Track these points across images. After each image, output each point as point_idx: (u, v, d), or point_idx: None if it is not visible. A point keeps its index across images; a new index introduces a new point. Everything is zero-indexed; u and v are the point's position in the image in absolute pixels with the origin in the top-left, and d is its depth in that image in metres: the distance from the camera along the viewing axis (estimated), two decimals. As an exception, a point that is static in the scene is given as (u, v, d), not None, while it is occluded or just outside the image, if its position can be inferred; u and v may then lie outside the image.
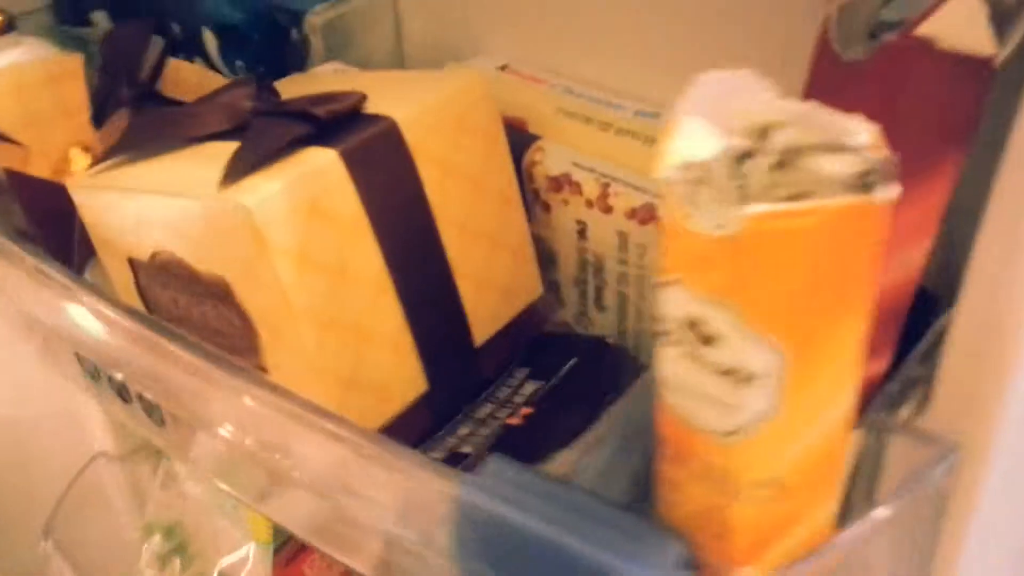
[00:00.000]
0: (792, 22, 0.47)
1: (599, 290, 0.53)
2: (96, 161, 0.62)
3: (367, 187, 0.44)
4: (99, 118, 0.64)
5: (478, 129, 0.48)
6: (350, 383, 0.44)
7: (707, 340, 0.30)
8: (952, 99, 0.33)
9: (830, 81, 0.35)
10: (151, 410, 0.52)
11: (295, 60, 0.62)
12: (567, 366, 0.51)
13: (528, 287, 0.53)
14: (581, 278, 0.54)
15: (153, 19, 0.65)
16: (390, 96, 0.47)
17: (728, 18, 0.52)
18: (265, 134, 0.43)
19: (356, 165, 0.43)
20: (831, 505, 0.34)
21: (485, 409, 0.50)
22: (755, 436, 0.31)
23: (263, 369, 0.45)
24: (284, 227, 0.41)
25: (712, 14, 0.52)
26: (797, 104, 0.30)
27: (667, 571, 0.33)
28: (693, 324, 0.30)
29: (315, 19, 0.60)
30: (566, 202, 0.52)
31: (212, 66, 0.67)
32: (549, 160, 0.52)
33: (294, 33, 0.61)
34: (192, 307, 0.46)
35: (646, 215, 0.49)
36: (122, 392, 0.53)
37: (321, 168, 0.42)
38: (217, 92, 0.51)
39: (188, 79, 0.65)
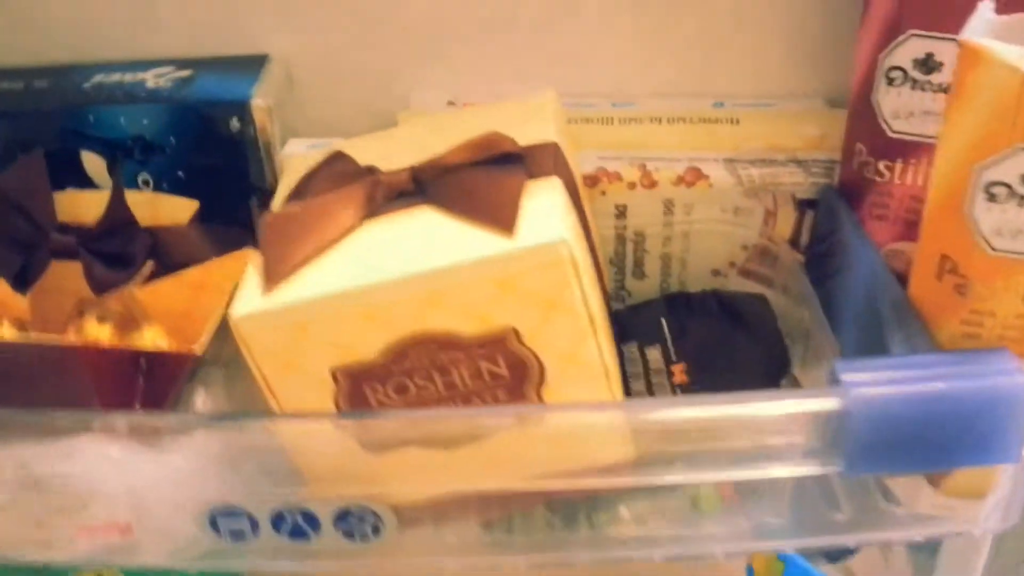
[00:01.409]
0: None
1: (639, 260, 0.60)
2: (39, 332, 0.53)
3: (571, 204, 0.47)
4: (23, 281, 0.54)
5: (570, 140, 0.53)
6: (615, 379, 0.47)
7: (1041, 183, 0.41)
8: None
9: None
10: (355, 530, 0.48)
11: (239, 152, 0.58)
12: (664, 324, 0.58)
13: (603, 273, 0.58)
14: (619, 255, 0.60)
15: (40, 151, 0.55)
16: (501, 128, 0.49)
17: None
18: (487, 182, 0.44)
19: (566, 187, 0.46)
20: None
21: (636, 387, 0.55)
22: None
23: (539, 406, 0.46)
24: (579, 251, 0.43)
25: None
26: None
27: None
28: (1034, 174, 0.41)
29: (262, 102, 0.57)
30: (604, 192, 0.58)
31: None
32: (573, 164, 0.58)
33: (234, 123, 0.57)
34: (432, 383, 0.45)
35: (693, 177, 0.57)
36: (299, 529, 0.48)
37: (561, 194, 0.44)
38: (308, 182, 0.48)
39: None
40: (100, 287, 0.53)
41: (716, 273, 0.61)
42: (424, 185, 0.46)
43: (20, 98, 0.59)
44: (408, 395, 0.46)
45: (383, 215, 0.46)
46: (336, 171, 0.48)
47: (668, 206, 0.59)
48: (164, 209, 0.57)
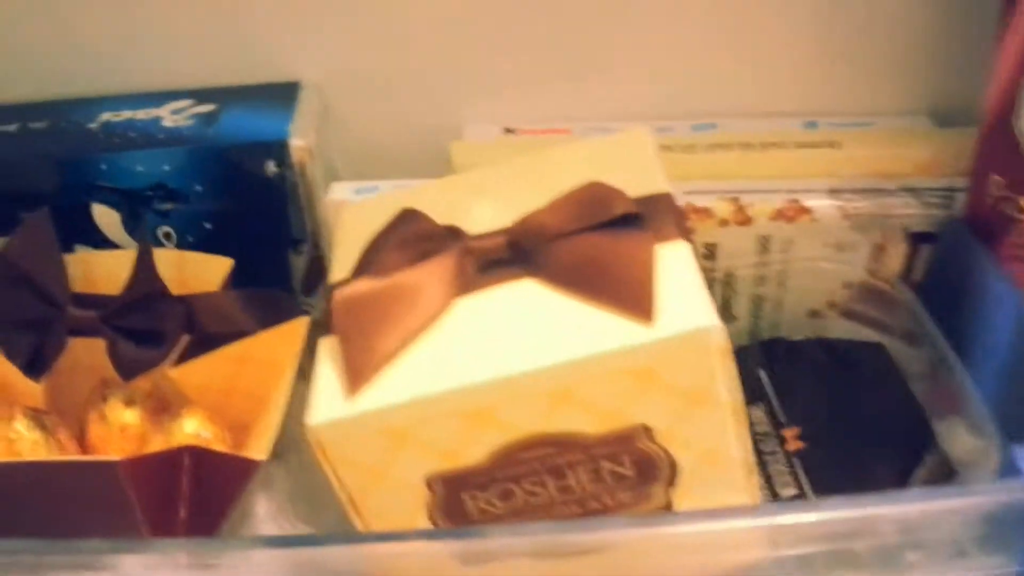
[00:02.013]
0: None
1: (727, 302, 0.54)
2: (57, 422, 0.46)
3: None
4: (38, 364, 0.46)
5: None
6: (755, 473, 0.41)
7: None
8: None
9: None
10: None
11: (276, 199, 0.50)
12: (765, 378, 0.52)
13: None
14: (706, 299, 0.54)
15: (46, 211, 0.48)
16: (596, 173, 0.42)
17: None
18: (609, 252, 0.37)
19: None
20: None
21: (742, 452, 0.49)
22: None
23: (668, 507, 0.39)
24: (721, 334, 0.36)
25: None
26: None
27: None
28: None
29: (302, 141, 0.49)
30: (692, 231, 0.51)
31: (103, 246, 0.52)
32: (663, 200, 0.51)
33: (270, 167, 0.49)
34: (544, 488, 0.38)
35: (793, 211, 0.51)
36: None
37: (693, 263, 0.38)
38: (377, 248, 0.41)
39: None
40: (129, 370, 0.45)
41: (814, 314, 0.55)
42: (524, 253, 0.39)
43: (15, 142, 0.51)
44: (514, 501, 0.39)
45: (477, 290, 0.39)
46: (410, 234, 0.41)
47: (763, 243, 0.52)
48: (192, 269, 0.49)
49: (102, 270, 0.49)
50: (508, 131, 0.55)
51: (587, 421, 0.37)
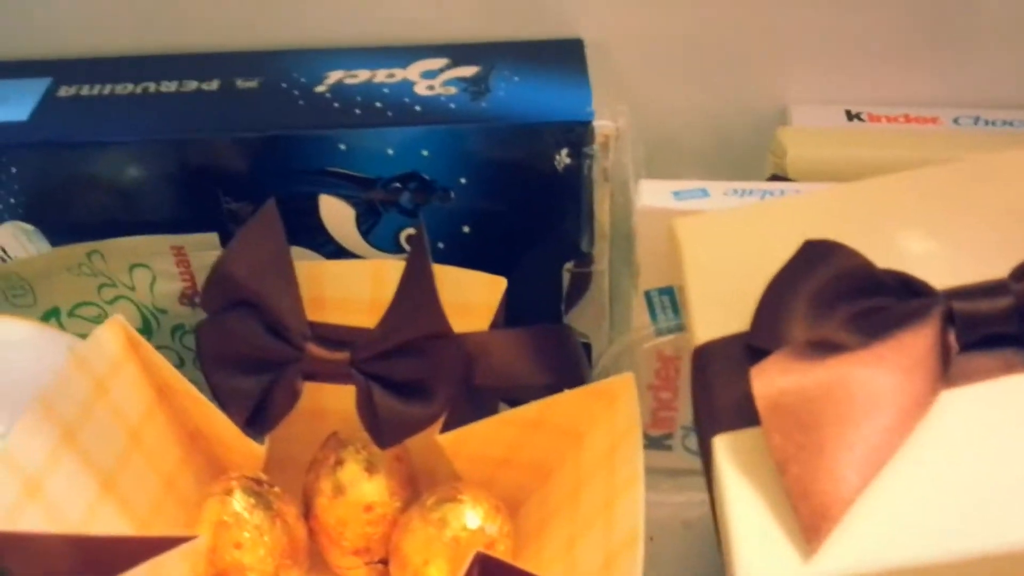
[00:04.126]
0: None
1: None
2: (281, 496, 0.34)
3: None
4: (261, 421, 0.34)
5: None
6: None
7: None
8: None
9: None
10: None
11: (564, 199, 0.37)
12: None
13: None
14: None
15: (272, 202, 0.35)
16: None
17: None
18: None
19: None
20: None
21: None
22: None
23: None
24: None
25: None
26: None
27: None
28: None
29: (610, 124, 0.37)
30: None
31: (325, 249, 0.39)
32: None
33: (562, 157, 0.37)
34: None
35: None
36: None
37: None
38: (782, 310, 0.28)
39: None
40: (390, 433, 0.33)
41: None
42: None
43: (218, 107, 0.38)
44: None
45: (967, 383, 0.26)
46: (839, 283, 0.28)
47: None
48: (455, 290, 0.36)
49: (336, 286, 0.37)
50: (852, 116, 0.42)
51: None
